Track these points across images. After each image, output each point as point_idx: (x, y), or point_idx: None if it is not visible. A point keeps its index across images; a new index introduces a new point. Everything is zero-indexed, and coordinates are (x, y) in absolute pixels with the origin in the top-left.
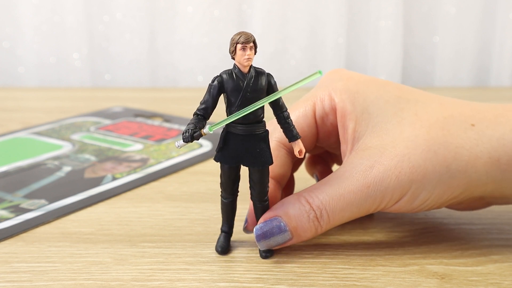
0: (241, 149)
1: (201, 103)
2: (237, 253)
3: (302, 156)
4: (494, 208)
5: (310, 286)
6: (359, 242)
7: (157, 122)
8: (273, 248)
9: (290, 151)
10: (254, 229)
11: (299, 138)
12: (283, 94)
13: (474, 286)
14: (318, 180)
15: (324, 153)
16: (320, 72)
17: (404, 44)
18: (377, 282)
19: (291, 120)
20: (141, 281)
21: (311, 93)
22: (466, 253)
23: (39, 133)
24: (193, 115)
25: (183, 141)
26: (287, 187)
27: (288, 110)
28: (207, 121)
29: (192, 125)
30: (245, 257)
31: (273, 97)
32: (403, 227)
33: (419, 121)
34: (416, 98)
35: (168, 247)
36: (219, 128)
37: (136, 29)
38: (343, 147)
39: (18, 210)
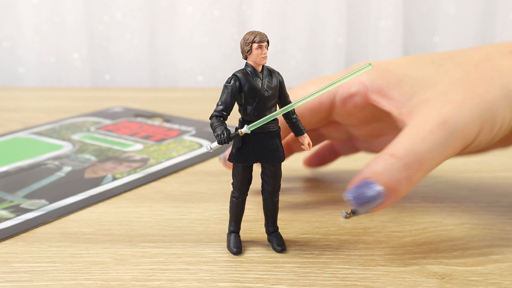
0: (258, 147)
1: (218, 105)
2: None
3: (310, 149)
4: (494, 208)
5: (310, 286)
6: (359, 242)
7: (157, 122)
8: (372, 211)
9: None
10: (345, 196)
11: (306, 132)
12: (329, 89)
13: (474, 286)
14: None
15: (344, 141)
16: (370, 64)
17: (404, 44)
18: (377, 282)
19: (297, 115)
20: (141, 281)
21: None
22: (466, 253)
23: (39, 133)
24: (212, 117)
25: (219, 143)
26: None
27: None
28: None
29: (222, 127)
30: (245, 257)
31: (314, 95)
32: (403, 227)
33: (463, 66)
34: (449, 55)
35: (168, 247)
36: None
37: (136, 29)
38: (395, 113)
39: (18, 210)
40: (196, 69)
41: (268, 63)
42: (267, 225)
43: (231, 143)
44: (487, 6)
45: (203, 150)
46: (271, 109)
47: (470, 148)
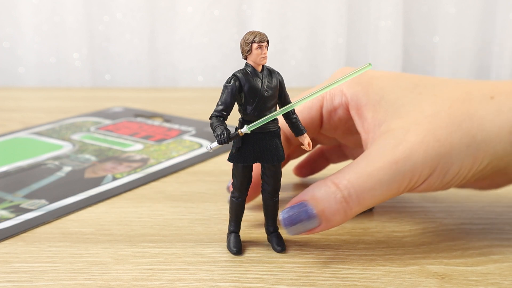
0: (258, 147)
1: (218, 105)
2: None
3: (311, 149)
4: (494, 208)
5: (310, 286)
6: (359, 242)
7: (157, 122)
8: (303, 234)
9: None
10: (280, 214)
11: (306, 132)
12: (328, 89)
13: (474, 286)
14: None
15: (334, 148)
16: (370, 64)
17: (404, 44)
18: (377, 282)
19: (297, 115)
20: (141, 281)
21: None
22: (466, 253)
23: (39, 133)
24: (212, 117)
25: (219, 143)
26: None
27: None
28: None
29: (221, 127)
30: (245, 257)
31: (315, 94)
32: (403, 227)
33: (439, 99)
34: (432, 83)
35: (168, 247)
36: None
37: (136, 29)
38: (363, 136)
39: (18, 210)
40: (196, 69)
41: (268, 63)
42: (267, 225)
43: (231, 143)
44: (487, 6)
45: (203, 150)
46: (271, 109)
47: (419, 189)
